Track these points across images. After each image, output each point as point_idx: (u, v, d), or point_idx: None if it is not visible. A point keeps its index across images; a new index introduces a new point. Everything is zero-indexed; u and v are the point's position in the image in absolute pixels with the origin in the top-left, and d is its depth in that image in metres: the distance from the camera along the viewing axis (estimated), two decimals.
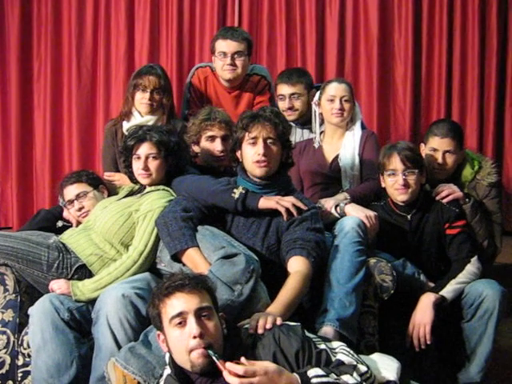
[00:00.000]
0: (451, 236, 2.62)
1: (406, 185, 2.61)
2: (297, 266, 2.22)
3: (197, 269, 2.21)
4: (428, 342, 2.39)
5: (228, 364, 1.62)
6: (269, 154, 2.34)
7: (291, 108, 3.23)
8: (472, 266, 2.55)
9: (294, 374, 1.67)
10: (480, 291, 2.45)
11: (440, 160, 2.80)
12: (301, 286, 2.15)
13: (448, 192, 2.71)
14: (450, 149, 2.80)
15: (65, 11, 4.44)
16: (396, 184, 2.63)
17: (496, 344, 2.48)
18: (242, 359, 1.64)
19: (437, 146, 2.81)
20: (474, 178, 2.85)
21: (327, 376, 1.65)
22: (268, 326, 1.81)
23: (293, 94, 3.22)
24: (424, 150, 2.87)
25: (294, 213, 2.33)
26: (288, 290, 2.11)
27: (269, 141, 2.35)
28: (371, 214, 2.55)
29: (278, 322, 1.84)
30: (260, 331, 1.81)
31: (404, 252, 2.64)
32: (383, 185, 2.72)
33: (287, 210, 2.33)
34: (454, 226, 2.62)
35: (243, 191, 2.37)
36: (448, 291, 2.47)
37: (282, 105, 3.24)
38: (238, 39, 3.25)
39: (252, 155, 2.35)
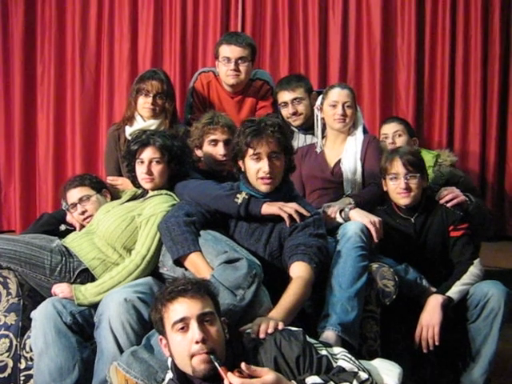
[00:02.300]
0: (455, 238, 2.63)
1: (408, 188, 2.63)
2: (299, 271, 2.22)
3: (199, 273, 2.20)
4: (436, 343, 2.39)
5: (229, 374, 1.62)
6: (273, 169, 2.32)
7: (295, 113, 3.24)
8: (475, 268, 2.56)
9: (293, 381, 1.68)
10: (485, 291, 2.46)
11: (390, 140, 3.17)
12: (302, 292, 2.15)
13: (452, 196, 2.74)
14: (397, 129, 3.19)
15: (69, 15, 4.47)
16: (398, 188, 2.64)
17: (499, 349, 2.48)
18: (243, 365, 1.64)
19: (386, 131, 3.23)
20: (436, 163, 3.12)
21: None
22: (270, 330, 1.82)
23: (294, 98, 3.23)
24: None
25: (297, 219, 2.33)
26: (290, 296, 2.11)
27: (273, 156, 2.33)
28: (376, 219, 2.55)
29: (280, 326, 1.84)
30: (262, 336, 1.81)
31: (407, 255, 2.65)
32: (385, 189, 2.73)
33: (290, 216, 2.33)
34: (458, 229, 2.64)
35: (246, 196, 2.37)
36: (454, 292, 2.48)
37: (286, 112, 3.24)
38: (242, 45, 3.25)
39: (256, 171, 2.33)
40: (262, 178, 2.33)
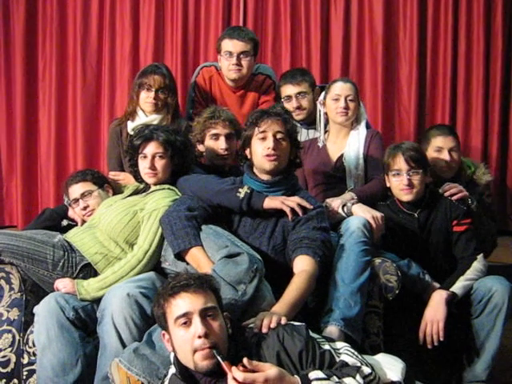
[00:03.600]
0: (458, 233, 2.64)
1: (411, 185, 2.63)
2: (303, 265, 2.21)
3: (200, 268, 2.21)
4: (441, 339, 2.39)
5: (233, 368, 1.62)
6: (278, 148, 2.35)
7: (299, 107, 3.24)
8: (478, 264, 2.56)
9: (296, 376, 1.68)
10: (489, 286, 2.47)
11: (447, 157, 2.88)
12: (306, 286, 2.14)
13: (457, 190, 2.74)
14: (454, 145, 2.91)
15: (70, 10, 4.46)
16: (401, 184, 2.65)
17: (503, 344, 2.48)
18: (245, 360, 1.64)
19: (442, 145, 2.91)
20: (472, 179, 2.98)
21: (328, 379, 1.65)
22: (272, 325, 1.81)
23: (299, 93, 3.23)
24: (428, 153, 2.89)
25: (300, 212, 2.33)
26: (293, 290, 2.11)
27: (278, 136, 2.35)
28: (378, 214, 2.55)
29: (283, 321, 1.84)
30: (264, 330, 1.81)
31: (411, 250, 2.65)
32: (388, 185, 2.73)
33: (292, 209, 2.33)
34: (461, 223, 2.64)
35: (248, 191, 2.37)
36: (458, 287, 2.48)
37: (289, 105, 3.24)
38: (244, 39, 3.25)
39: (262, 150, 2.36)
40: (267, 156, 2.35)
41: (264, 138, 2.36)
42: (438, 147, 2.91)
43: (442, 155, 2.90)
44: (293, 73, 3.36)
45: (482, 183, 2.98)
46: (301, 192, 2.48)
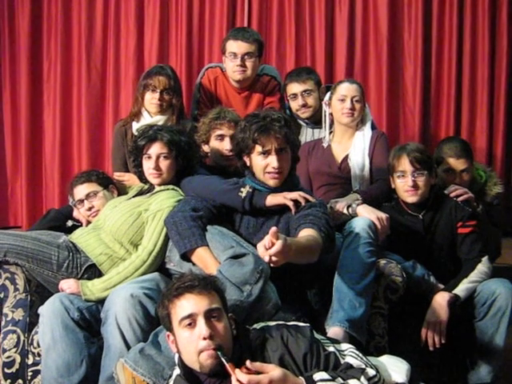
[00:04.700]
0: (463, 235, 2.62)
1: (416, 186, 2.62)
2: (308, 232, 2.11)
3: (207, 268, 2.21)
4: (443, 341, 2.38)
5: (236, 371, 1.62)
6: (282, 164, 2.32)
7: (305, 105, 3.24)
8: (483, 266, 2.55)
9: (300, 377, 1.68)
10: (493, 289, 2.46)
11: (457, 180, 2.85)
12: (311, 244, 2.02)
13: (462, 191, 2.74)
14: (466, 167, 2.86)
15: (75, 11, 4.47)
16: (405, 185, 2.64)
17: (507, 347, 2.47)
18: (248, 363, 1.64)
19: (454, 167, 2.87)
20: (482, 188, 2.95)
21: (333, 380, 1.65)
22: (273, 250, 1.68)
23: (304, 90, 3.23)
24: (439, 169, 2.87)
25: (302, 201, 2.30)
26: (299, 238, 2.03)
27: (281, 151, 2.32)
28: (383, 215, 2.54)
29: (278, 246, 1.69)
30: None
31: (415, 251, 2.64)
32: (393, 186, 2.72)
33: (295, 203, 2.31)
34: (466, 225, 2.63)
35: (250, 190, 2.37)
36: (461, 290, 2.48)
37: (295, 104, 3.25)
38: (248, 40, 3.25)
39: (264, 167, 2.33)
40: (269, 173, 2.33)
41: (266, 156, 2.31)
42: (450, 169, 2.87)
43: (452, 177, 2.86)
44: (298, 71, 3.36)
45: (491, 194, 2.95)
46: (303, 191, 2.45)
